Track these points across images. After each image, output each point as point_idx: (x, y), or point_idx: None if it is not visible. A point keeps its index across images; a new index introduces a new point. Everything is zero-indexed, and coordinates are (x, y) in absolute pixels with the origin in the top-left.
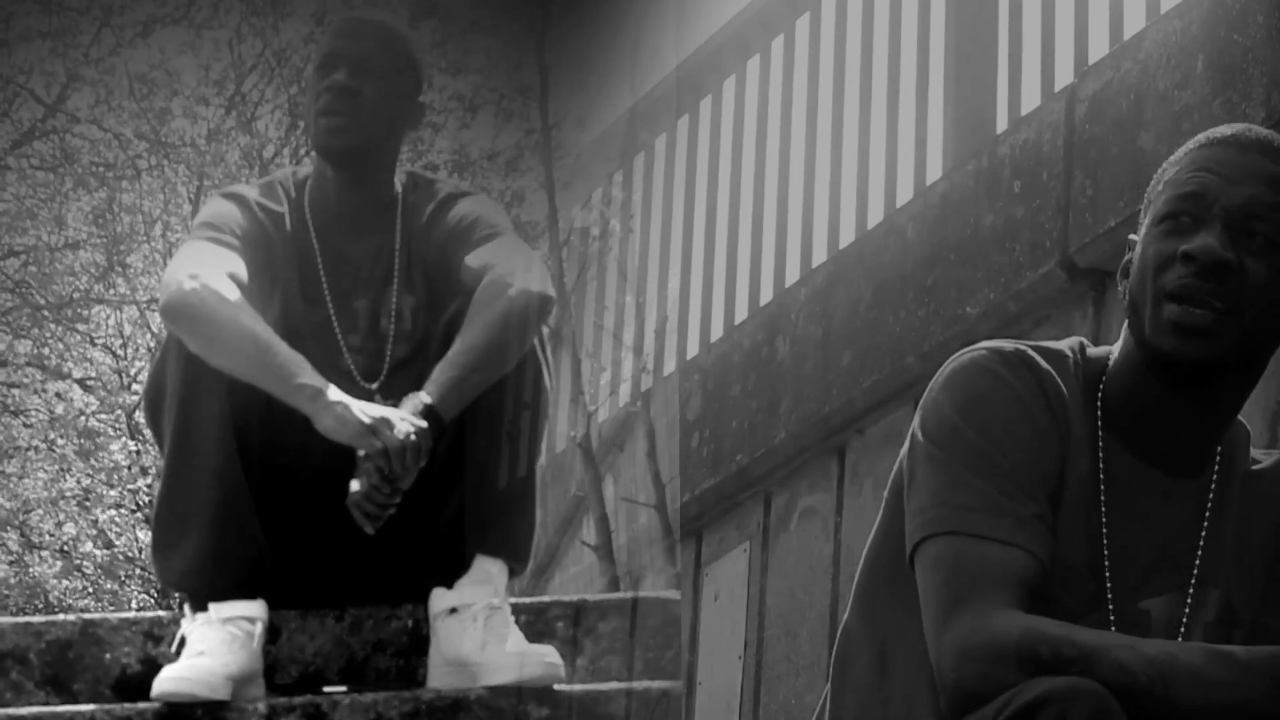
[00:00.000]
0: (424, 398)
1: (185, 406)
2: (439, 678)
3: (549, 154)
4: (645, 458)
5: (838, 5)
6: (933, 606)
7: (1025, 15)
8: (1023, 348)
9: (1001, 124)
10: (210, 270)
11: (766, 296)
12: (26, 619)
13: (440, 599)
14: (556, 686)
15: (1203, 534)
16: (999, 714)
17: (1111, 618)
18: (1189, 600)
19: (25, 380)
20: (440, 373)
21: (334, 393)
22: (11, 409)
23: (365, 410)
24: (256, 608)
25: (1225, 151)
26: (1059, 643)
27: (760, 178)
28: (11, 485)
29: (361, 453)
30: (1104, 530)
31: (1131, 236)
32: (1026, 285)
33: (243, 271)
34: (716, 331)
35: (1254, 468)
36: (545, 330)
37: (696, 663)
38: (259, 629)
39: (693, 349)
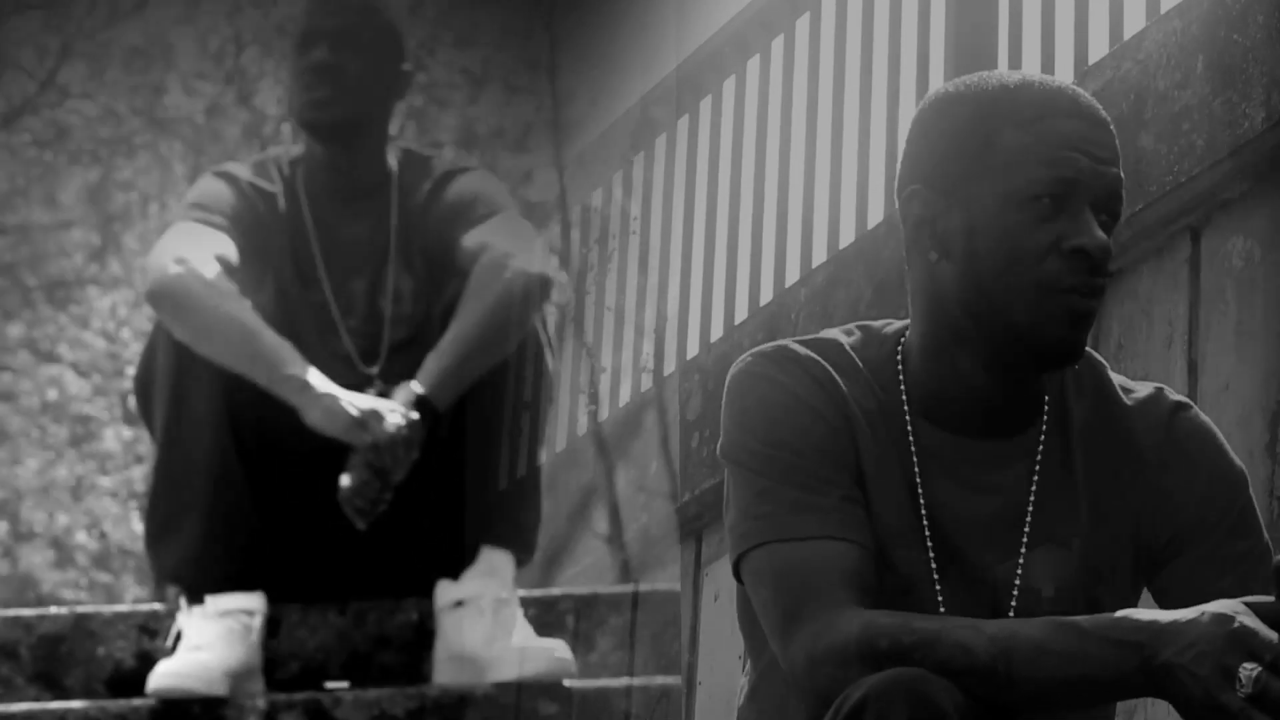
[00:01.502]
0: (415, 388)
1: (176, 394)
2: (445, 673)
3: (559, 131)
4: (658, 447)
5: (838, 5)
6: (771, 619)
7: (1025, 15)
8: (784, 343)
9: None
10: (197, 253)
11: (766, 296)
12: (17, 612)
13: (446, 592)
14: (566, 681)
15: (1032, 492)
16: (835, 718)
17: (938, 587)
18: (1019, 563)
19: (17, 364)
20: (433, 361)
21: (322, 384)
22: (2, 394)
23: (354, 403)
24: (255, 600)
25: (1083, 126)
26: (897, 631)
27: (760, 178)
28: (2, 473)
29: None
30: (920, 500)
31: (915, 187)
32: None
33: (232, 253)
34: (716, 331)
35: (1121, 402)
36: (549, 312)
37: (696, 663)
38: (257, 622)
39: (693, 349)
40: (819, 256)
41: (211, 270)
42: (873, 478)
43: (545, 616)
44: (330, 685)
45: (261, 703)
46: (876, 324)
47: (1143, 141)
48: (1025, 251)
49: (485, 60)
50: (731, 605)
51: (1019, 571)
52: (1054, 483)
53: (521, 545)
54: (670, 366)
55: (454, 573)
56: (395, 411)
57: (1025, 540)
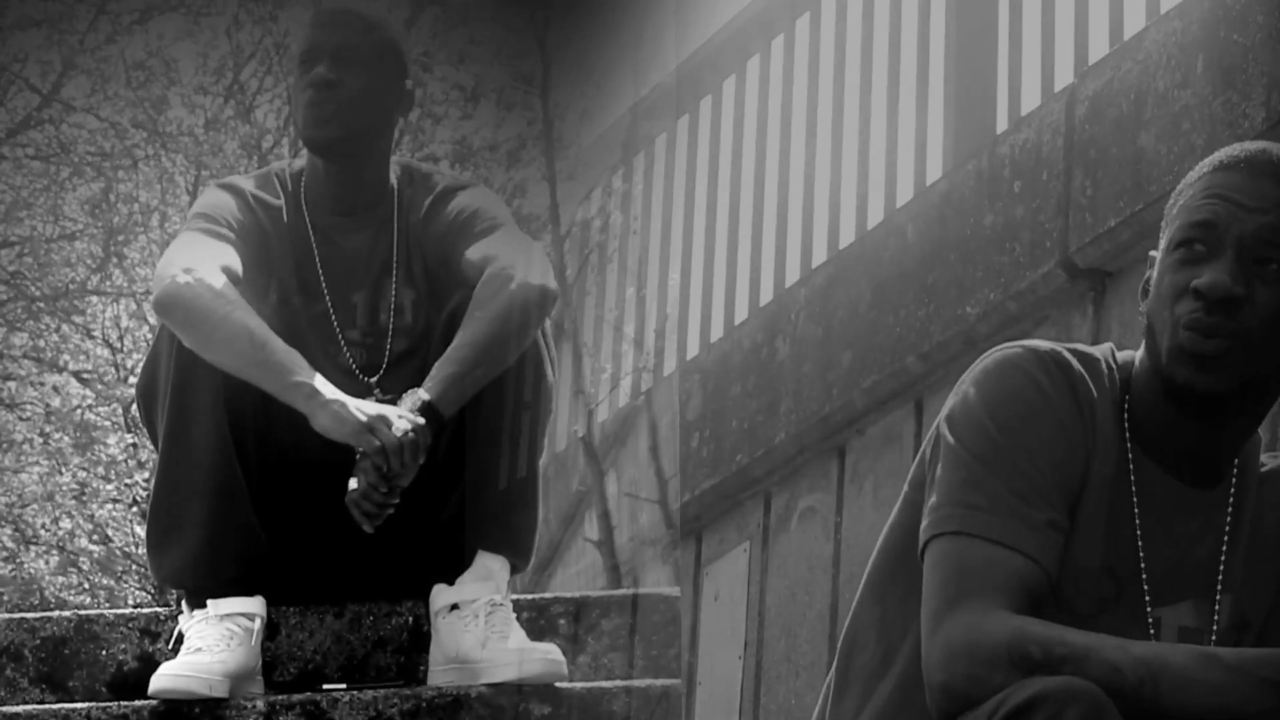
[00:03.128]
0: (423, 394)
1: (179, 401)
2: (440, 675)
3: (551, 145)
4: (648, 453)
5: (838, 5)
6: (930, 604)
7: (1025, 15)
8: (1059, 349)
9: (1001, 124)
10: (204, 263)
11: (766, 296)
12: (21, 615)
13: (441, 595)
14: (558, 684)
15: (1224, 544)
16: (993, 714)
17: (1124, 624)
18: (1216, 609)
19: (21, 373)
20: (440, 369)
21: (330, 390)
22: (6, 402)
23: (362, 408)
24: (255, 604)
25: (1237, 177)
26: (1050, 642)
27: (760, 178)
28: (6, 479)
29: (360, 451)
30: (1138, 535)
31: (1152, 253)
32: (1026, 285)
33: (237, 264)
34: (716, 331)
35: (1263, 470)
36: (548, 324)
37: (696, 662)
38: (257, 625)
39: (693, 349)
40: (819, 256)
41: (219, 279)
42: (1086, 504)
43: (538, 620)
44: (328, 687)
45: (261, 704)
46: (1123, 353)
47: (1143, 141)
48: (1167, 291)
49: (479, 76)
50: (731, 605)
51: (1215, 618)
52: (1234, 537)
53: (518, 550)
54: (670, 367)
55: (450, 577)
56: (403, 417)
57: (1220, 588)
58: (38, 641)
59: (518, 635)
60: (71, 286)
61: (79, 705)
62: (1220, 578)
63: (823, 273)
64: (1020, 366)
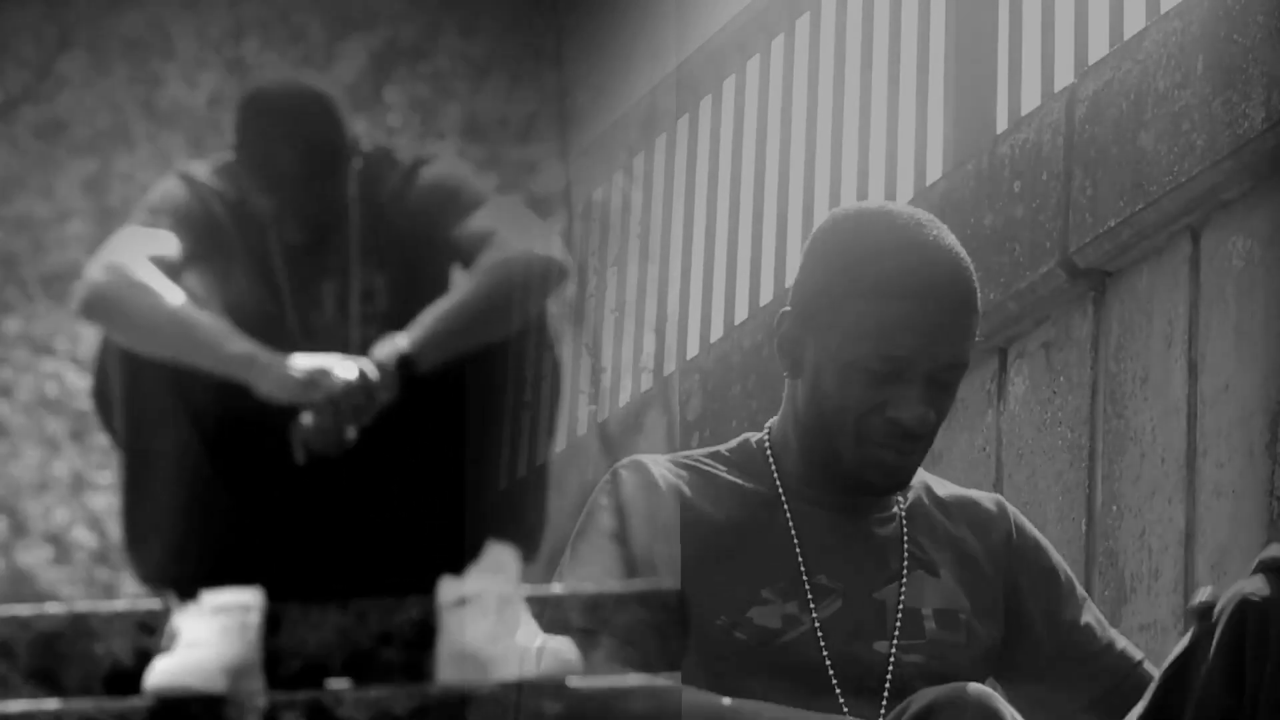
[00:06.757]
0: (400, 342)
1: (132, 397)
2: (448, 671)
3: (564, 121)
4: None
5: (838, 5)
6: None
7: (1025, 15)
8: (634, 459)
9: (1001, 124)
10: (128, 257)
11: (766, 296)
12: (14, 609)
13: (449, 589)
14: (570, 680)
15: (904, 534)
16: None
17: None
18: (902, 586)
19: (15, 358)
20: (426, 318)
21: (266, 355)
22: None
23: (297, 364)
24: (250, 596)
25: (931, 310)
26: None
27: (760, 178)
28: None
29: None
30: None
31: (785, 310)
32: (1026, 285)
33: (173, 251)
34: (716, 331)
35: (954, 493)
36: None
37: None
38: (254, 618)
39: (693, 349)
40: None
41: (141, 269)
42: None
43: (551, 614)
44: (332, 684)
45: (262, 701)
46: (736, 441)
47: (1143, 141)
48: (852, 405)
49: (489, 49)
50: None
51: (901, 597)
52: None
53: (529, 542)
54: (671, 366)
55: (458, 569)
56: (352, 364)
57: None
58: (31, 636)
59: (529, 630)
60: (67, 268)
61: (73, 702)
62: (905, 558)
63: None
64: (600, 492)
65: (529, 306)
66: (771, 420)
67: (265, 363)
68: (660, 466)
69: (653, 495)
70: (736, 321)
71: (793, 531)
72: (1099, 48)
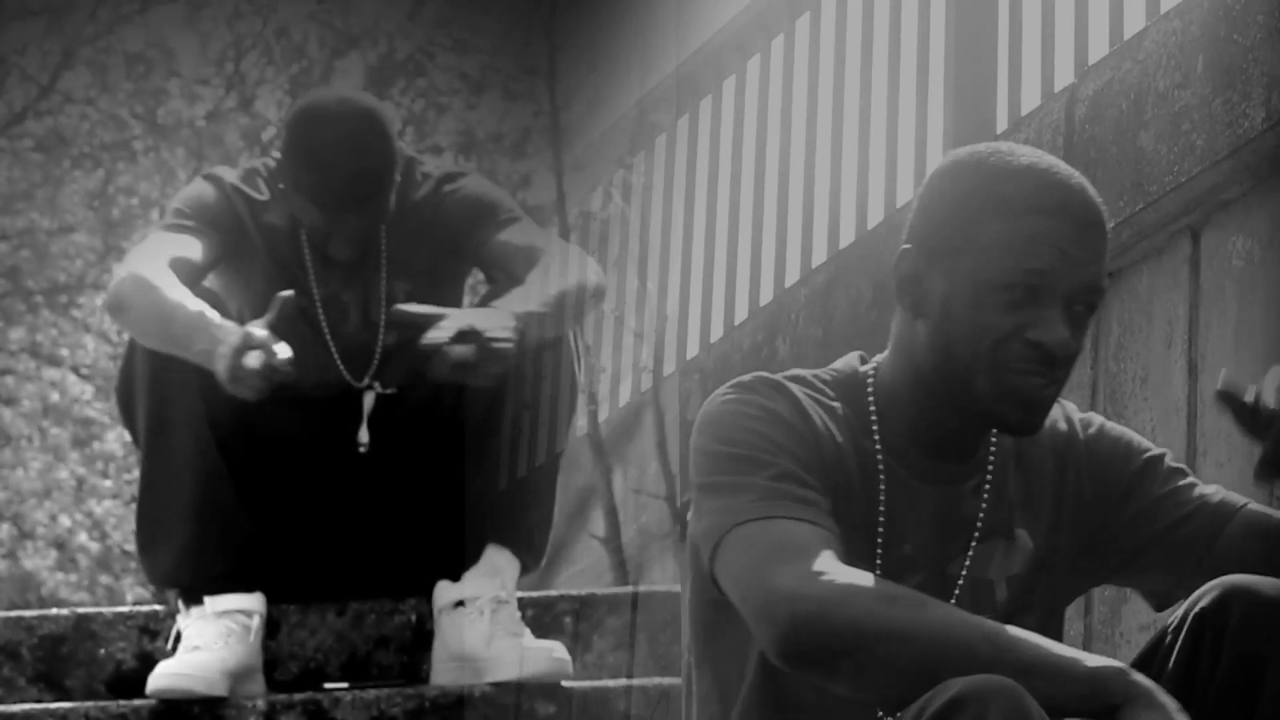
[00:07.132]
0: (516, 308)
1: (155, 398)
2: (443, 673)
3: (557, 136)
4: (655, 449)
5: (838, 5)
6: (753, 574)
7: (1025, 15)
8: (759, 373)
9: (1001, 124)
10: (150, 258)
11: (766, 296)
12: (19, 613)
13: (445, 592)
14: (564, 682)
15: (983, 502)
16: (919, 716)
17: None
18: (968, 558)
19: (19, 367)
20: (518, 304)
21: (225, 346)
22: (4, 397)
23: (245, 363)
24: (253, 601)
25: (1067, 227)
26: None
27: (760, 178)
28: (4, 475)
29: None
30: (880, 529)
31: (906, 246)
32: None
33: (197, 254)
34: (716, 331)
35: (1088, 432)
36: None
37: None
38: (256, 622)
39: (693, 349)
40: (819, 256)
41: (157, 271)
42: (841, 504)
43: (543, 617)
44: (329, 686)
45: (262, 703)
46: (841, 364)
47: (1143, 141)
48: (990, 332)
49: (484, 65)
50: None
51: (966, 564)
52: (996, 493)
53: (529, 547)
54: (670, 367)
55: (454, 573)
56: (283, 345)
57: (976, 538)
58: (35, 640)
59: (522, 633)
60: (70, 280)
61: (77, 705)
62: (978, 529)
63: (823, 273)
64: (728, 399)
65: (576, 319)
66: (879, 356)
67: (220, 353)
68: (796, 387)
69: (800, 414)
70: (736, 321)
71: (881, 500)
72: (1099, 48)
